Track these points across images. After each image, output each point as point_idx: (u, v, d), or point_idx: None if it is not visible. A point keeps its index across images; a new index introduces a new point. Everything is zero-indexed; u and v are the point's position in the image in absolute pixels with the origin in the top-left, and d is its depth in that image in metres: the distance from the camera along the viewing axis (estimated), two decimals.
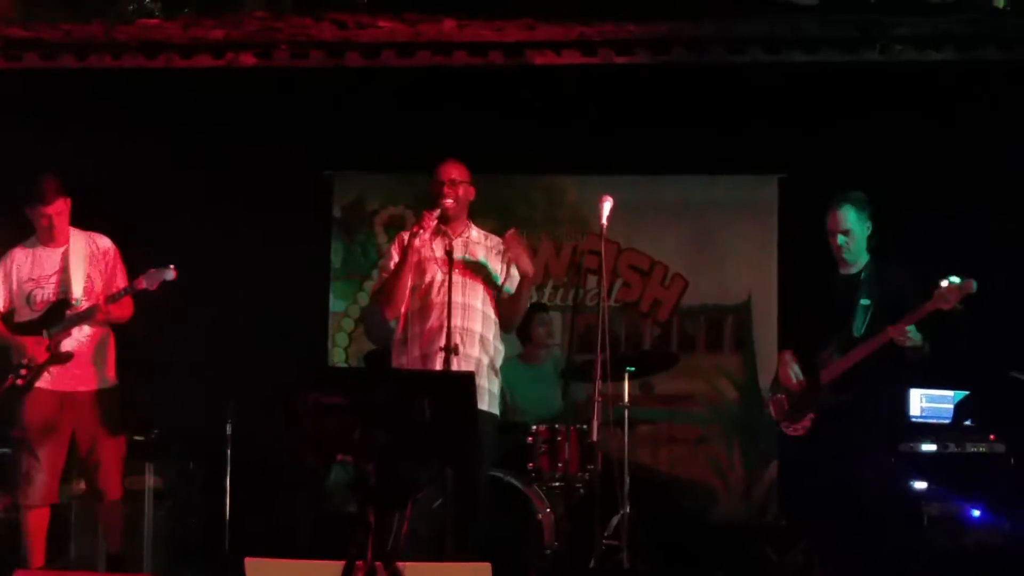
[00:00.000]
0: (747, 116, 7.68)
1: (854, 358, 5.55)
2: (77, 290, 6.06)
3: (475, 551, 5.07)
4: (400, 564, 4.08)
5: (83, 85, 7.37)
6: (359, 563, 4.04)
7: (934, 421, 6.84)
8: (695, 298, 8.19)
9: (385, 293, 5.61)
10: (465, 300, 5.60)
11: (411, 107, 7.57)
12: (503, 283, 5.68)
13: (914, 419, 6.80)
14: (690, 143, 7.81)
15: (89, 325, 6.04)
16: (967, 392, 6.96)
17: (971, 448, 6.54)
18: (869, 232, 5.71)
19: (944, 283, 5.30)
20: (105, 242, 6.23)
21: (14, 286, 6.12)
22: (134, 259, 6.27)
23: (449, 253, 5.58)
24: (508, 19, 7.03)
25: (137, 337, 6.37)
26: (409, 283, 5.58)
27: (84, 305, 6.02)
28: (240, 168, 8.01)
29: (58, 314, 6.01)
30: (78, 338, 6.03)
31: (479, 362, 5.56)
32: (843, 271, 5.76)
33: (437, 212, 5.60)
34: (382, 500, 4.26)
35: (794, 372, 5.74)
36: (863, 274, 5.70)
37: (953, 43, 6.84)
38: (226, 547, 7.20)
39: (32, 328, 6.02)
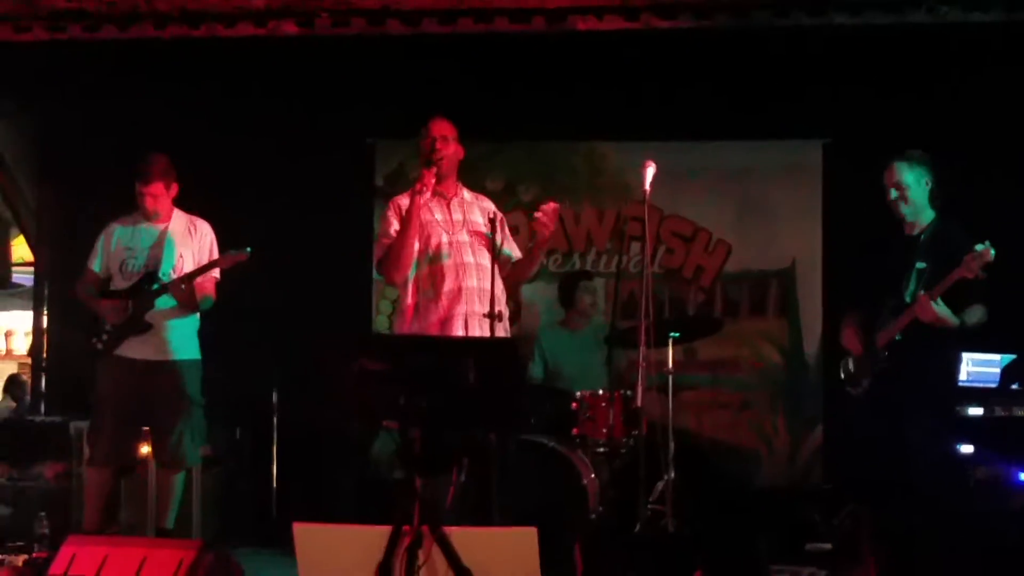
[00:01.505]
0: (791, 80, 7.63)
1: (903, 322, 5.52)
2: (167, 267, 6.20)
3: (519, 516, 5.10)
4: (446, 529, 4.10)
5: (125, 56, 7.39)
6: (405, 528, 4.06)
7: (981, 385, 6.80)
8: (739, 264, 8.15)
9: (392, 259, 5.53)
10: (476, 260, 5.58)
11: (453, 74, 7.56)
12: (501, 246, 5.65)
13: (961, 383, 6.74)
14: (733, 108, 7.77)
15: (173, 303, 6.16)
16: (1014, 356, 6.90)
17: (1018, 412, 6.50)
18: (929, 190, 5.64)
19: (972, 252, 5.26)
20: (204, 227, 6.38)
21: (110, 256, 6.29)
22: None
23: (492, 221, 5.57)
24: None
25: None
26: (415, 247, 5.54)
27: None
28: (283, 138, 8.04)
29: (145, 287, 6.15)
30: (166, 311, 6.17)
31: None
32: (908, 232, 5.70)
33: (435, 170, 5.56)
34: (427, 466, 4.27)
35: (855, 334, 5.74)
36: (923, 236, 5.64)
37: (1000, 4, 6.74)
38: (274, 513, 7.27)
39: (121, 296, 6.19)
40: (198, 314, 6.33)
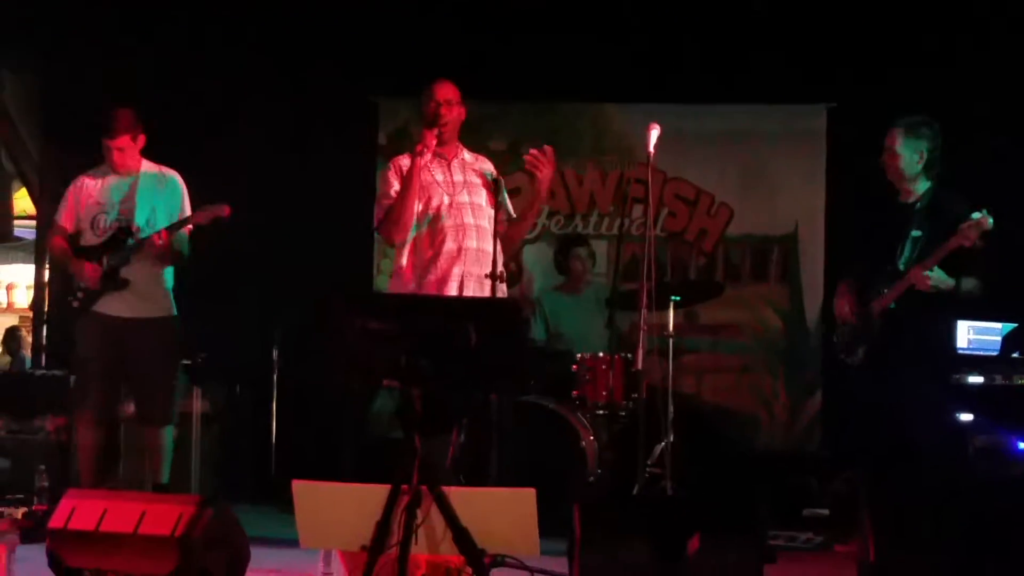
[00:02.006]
0: (797, 44, 7.60)
1: (899, 290, 5.51)
2: (140, 219, 6.09)
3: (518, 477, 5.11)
4: (445, 488, 4.11)
5: (128, 9, 7.37)
6: (404, 487, 4.07)
7: (981, 353, 6.80)
8: (741, 228, 8.15)
9: (392, 220, 5.49)
10: (476, 221, 5.57)
11: (457, 33, 7.53)
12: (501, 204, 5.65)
13: (961, 351, 6.75)
14: (738, 72, 7.74)
15: (147, 256, 6.06)
16: (1015, 324, 6.90)
17: (1018, 380, 6.48)
18: (925, 159, 5.61)
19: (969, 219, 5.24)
20: (175, 177, 6.26)
21: (81, 210, 6.17)
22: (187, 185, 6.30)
23: (496, 180, 5.55)
24: None
25: (185, 263, 6.42)
26: (415, 208, 5.53)
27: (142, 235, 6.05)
28: (286, 95, 8.03)
29: (118, 241, 6.06)
30: (138, 266, 6.06)
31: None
32: (902, 199, 5.68)
33: (436, 132, 5.54)
34: (427, 426, 4.27)
35: (846, 302, 5.73)
36: (919, 204, 5.62)
37: None
38: (273, 470, 7.29)
39: (93, 253, 6.08)
40: (172, 269, 6.21)
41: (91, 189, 6.19)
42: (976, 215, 5.22)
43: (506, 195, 5.69)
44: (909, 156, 5.59)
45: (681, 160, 7.99)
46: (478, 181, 5.62)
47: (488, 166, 5.75)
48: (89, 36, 7.71)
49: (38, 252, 8.91)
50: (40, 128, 8.62)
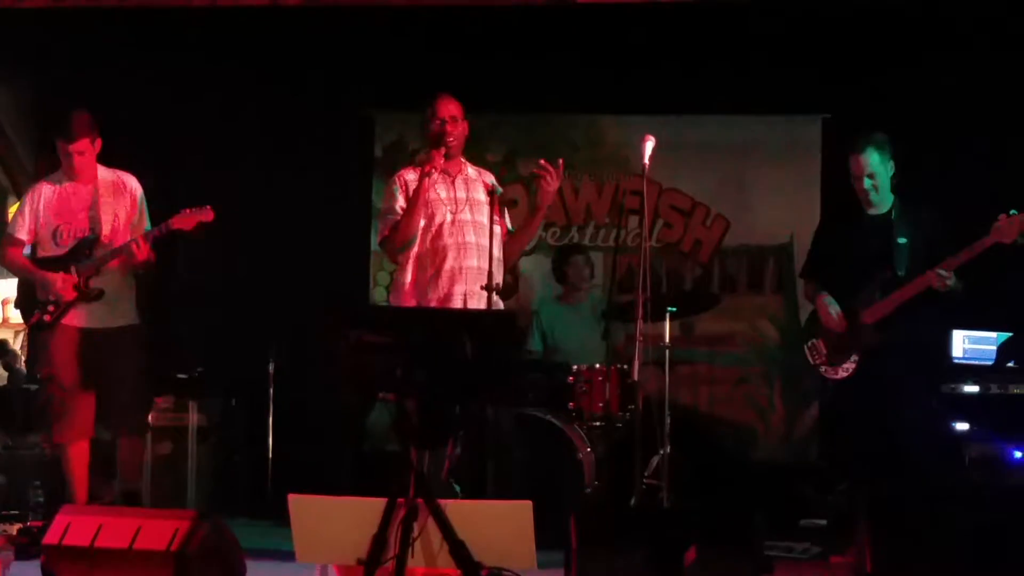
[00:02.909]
0: (790, 55, 7.60)
1: (900, 297, 5.54)
2: (106, 227, 6.02)
3: (515, 489, 5.10)
4: (441, 501, 4.11)
5: (122, 24, 7.36)
6: (400, 500, 4.06)
7: (977, 362, 6.80)
8: (737, 239, 8.13)
9: (397, 237, 5.51)
10: (477, 240, 5.58)
11: (452, 46, 7.54)
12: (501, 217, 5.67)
13: (957, 360, 6.76)
14: (733, 82, 7.74)
15: (116, 264, 5.99)
16: (1011, 334, 6.91)
17: (1014, 390, 6.50)
18: (892, 172, 5.72)
19: (1004, 217, 5.29)
20: (132, 181, 6.18)
21: (40, 220, 6.07)
22: (177, 200, 6.22)
23: (492, 193, 5.56)
24: None
25: (182, 276, 6.41)
26: (419, 224, 5.53)
27: (111, 243, 5.99)
28: (283, 108, 8.03)
29: (86, 251, 5.98)
30: (104, 276, 5.99)
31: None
32: (870, 211, 5.74)
33: (443, 151, 5.55)
34: (423, 438, 4.27)
35: (835, 312, 5.73)
36: (893, 214, 5.70)
37: None
38: (269, 484, 7.28)
39: (58, 264, 5.98)
40: (134, 279, 6.13)
41: (49, 198, 6.08)
42: (1013, 212, 5.28)
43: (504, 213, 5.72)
44: (884, 173, 5.70)
45: (676, 171, 7.98)
46: (482, 198, 5.64)
47: (491, 179, 5.76)
48: (81, 47, 7.70)
49: None
50: (35, 143, 8.61)
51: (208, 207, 5.94)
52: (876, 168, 5.67)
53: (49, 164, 8.20)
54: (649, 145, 5.85)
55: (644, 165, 5.85)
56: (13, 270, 6.22)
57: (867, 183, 5.69)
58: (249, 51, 7.77)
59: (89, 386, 6.01)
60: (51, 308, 5.98)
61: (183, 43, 7.63)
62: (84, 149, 6.01)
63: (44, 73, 8.21)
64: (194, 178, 6.68)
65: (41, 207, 6.08)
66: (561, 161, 5.53)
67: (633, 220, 7.62)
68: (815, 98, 7.83)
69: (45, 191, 6.11)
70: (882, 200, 5.73)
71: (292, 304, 7.46)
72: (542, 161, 5.51)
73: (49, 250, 6.04)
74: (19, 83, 8.44)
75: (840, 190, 7.53)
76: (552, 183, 5.47)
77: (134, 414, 6.14)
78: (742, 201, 8.13)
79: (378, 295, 8.19)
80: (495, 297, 5.37)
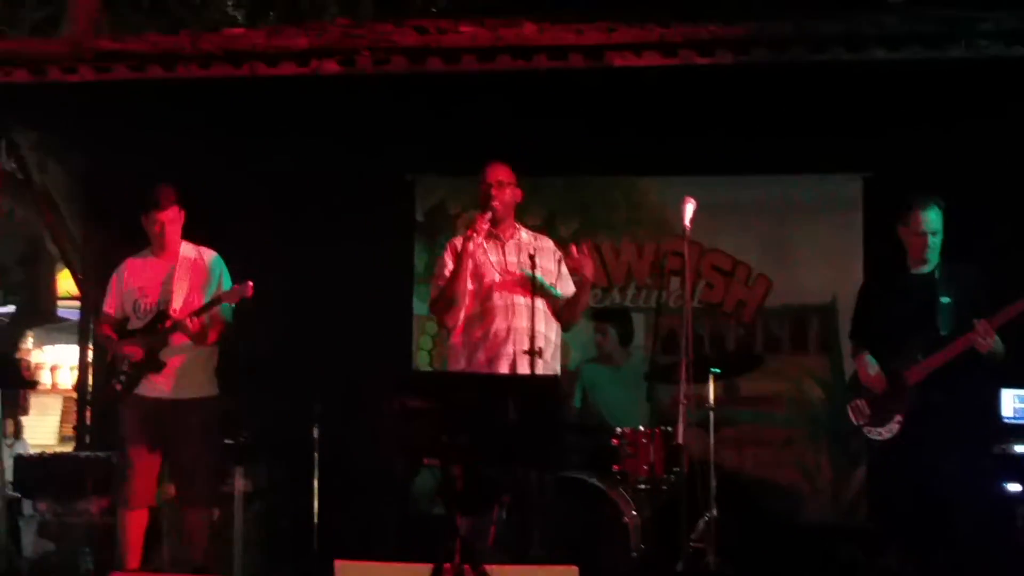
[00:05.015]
0: (830, 115, 7.60)
1: (943, 357, 5.51)
2: (177, 301, 6.17)
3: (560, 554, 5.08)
4: (487, 567, 4.10)
5: (169, 95, 7.47)
6: (447, 566, 4.07)
7: None
8: (779, 299, 8.11)
9: (445, 300, 5.63)
10: (527, 301, 5.62)
11: (492, 111, 7.60)
12: (555, 285, 5.71)
13: (1007, 420, 6.68)
14: (773, 143, 7.75)
15: (185, 337, 6.13)
16: None
17: None
18: (941, 233, 5.74)
19: None
20: (211, 256, 6.36)
21: (124, 294, 6.29)
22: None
23: (532, 257, 5.60)
24: (588, 22, 7.02)
25: (226, 341, 6.46)
26: (467, 288, 5.60)
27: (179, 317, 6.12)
28: (324, 174, 8.12)
29: (158, 324, 6.15)
30: (179, 348, 6.15)
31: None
32: (914, 270, 5.73)
33: (488, 215, 5.63)
34: (469, 503, 4.28)
35: (874, 371, 5.71)
36: (936, 273, 5.68)
37: None
38: (315, 549, 7.27)
39: (137, 336, 6.19)
40: (216, 350, 6.30)
41: (133, 273, 6.30)
42: None
43: (564, 272, 5.77)
44: (940, 230, 5.67)
45: (717, 231, 7.97)
46: (538, 261, 5.69)
47: (548, 243, 5.85)
48: (130, 122, 7.82)
49: (81, 333, 8.99)
50: (83, 212, 8.74)
51: (249, 282, 6.07)
52: (937, 226, 5.68)
53: (97, 236, 8.40)
54: (690, 208, 5.87)
55: (685, 228, 5.87)
56: (102, 343, 6.51)
57: (930, 240, 5.68)
58: (290, 118, 7.86)
59: (155, 455, 6.14)
60: (122, 378, 6.18)
61: (225, 113, 7.73)
62: (171, 218, 6.23)
63: (93, 146, 8.35)
64: (237, 246, 6.74)
65: (124, 282, 6.30)
66: (584, 246, 5.66)
67: (674, 281, 7.61)
68: (856, 157, 7.82)
69: (130, 265, 6.35)
70: (933, 259, 5.72)
71: (336, 368, 7.49)
72: (572, 253, 5.67)
73: (134, 323, 6.26)
74: (69, 155, 8.57)
75: (883, 249, 7.55)
76: (589, 266, 5.59)
77: (202, 485, 6.22)
78: (784, 261, 8.11)
79: (421, 359, 8.22)
80: (539, 360, 5.39)
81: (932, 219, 5.70)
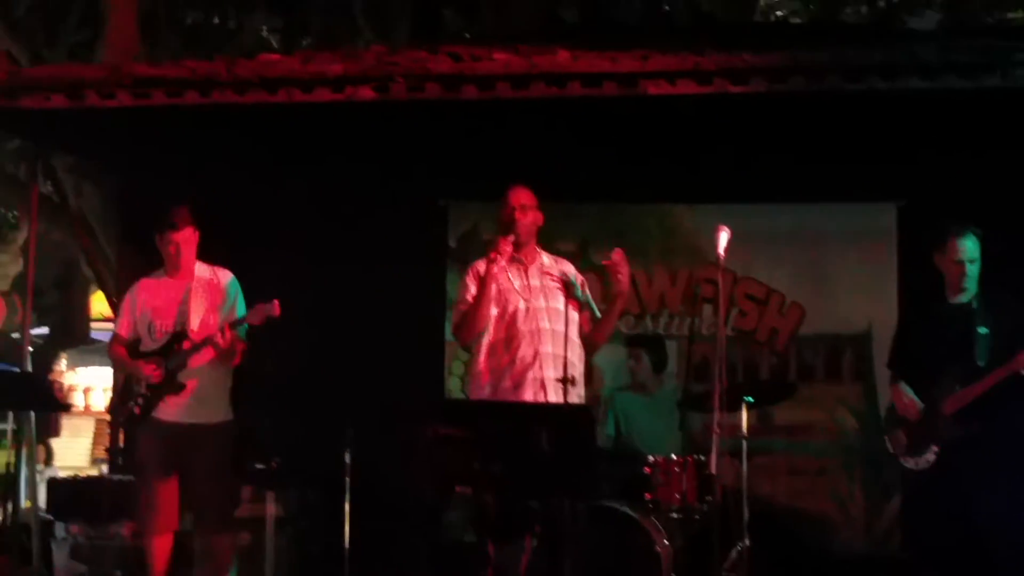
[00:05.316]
0: (866, 144, 7.59)
1: (981, 388, 5.47)
2: (194, 322, 6.13)
3: None
4: None
5: (204, 120, 7.52)
6: None
7: None
8: (813, 327, 8.07)
9: (467, 325, 5.59)
10: (552, 326, 5.61)
11: (526, 137, 7.61)
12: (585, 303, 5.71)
13: None
14: (807, 171, 7.74)
15: (204, 359, 6.09)
16: None
17: None
18: (979, 262, 5.70)
19: None
20: (226, 276, 6.31)
21: (138, 315, 6.22)
22: (253, 291, 6.35)
23: (567, 283, 5.60)
24: (622, 50, 7.03)
25: (258, 366, 6.47)
26: (491, 313, 5.59)
27: (198, 338, 6.08)
28: (357, 199, 8.15)
29: (175, 345, 6.10)
30: (195, 371, 6.10)
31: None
32: (952, 300, 5.70)
33: (512, 238, 5.63)
34: (501, 532, 4.27)
35: (908, 400, 5.67)
36: (974, 303, 5.64)
37: None
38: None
39: (152, 358, 6.12)
40: (231, 374, 6.24)
41: (147, 294, 6.24)
42: None
43: (588, 295, 5.76)
44: (978, 261, 5.64)
45: (751, 259, 7.93)
46: (556, 285, 5.68)
47: (569, 268, 5.83)
48: (163, 146, 7.88)
49: None
50: (118, 236, 8.80)
51: (275, 301, 6.00)
52: (975, 254, 5.65)
53: (131, 259, 8.45)
54: (723, 236, 5.85)
55: (719, 256, 5.85)
56: (115, 365, 6.46)
57: (968, 268, 5.65)
58: (324, 144, 7.91)
59: (175, 480, 6.09)
60: (140, 400, 6.12)
61: (260, 138, 7.78)
62: (186, 239, 6.17)
63: (128, 169, 8.41)
64: (270, 270, 6.77)
65: (138, 303, 6.24)
66: (619, 251, 5.57)
67: (708, 309, 7.59)
68: (890, 185, 7.80)
69: (144, 286, 6.29)
70: (971, 288, 5.68)
71: (368, 393, 7.49)
72: (610, 257, 5.58)
73: (147, 344, 6.19)
74: (104, 179, 8.64)
75: (918, 278, 7.52)
76: (625, 271, 5.53)
77: (222, 510, 6.20)
78: (818, 289, 8.08)
79: (453, 384, 8.21)
80: (572, 389, 5.37)
81: (969, 247, 5.67)
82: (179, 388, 6.07)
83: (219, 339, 6.00)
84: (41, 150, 8.69)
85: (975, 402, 5.50)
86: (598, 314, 5.79)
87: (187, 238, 6.18)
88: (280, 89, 7.05)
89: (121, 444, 8.74)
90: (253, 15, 15.44)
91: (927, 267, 5.96)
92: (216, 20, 15.96)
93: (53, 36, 14.07)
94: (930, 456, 5.65)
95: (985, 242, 5.74)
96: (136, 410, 6.13)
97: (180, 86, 7.09)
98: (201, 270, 6.28)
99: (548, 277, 5.73)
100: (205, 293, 6.21)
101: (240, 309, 6.20)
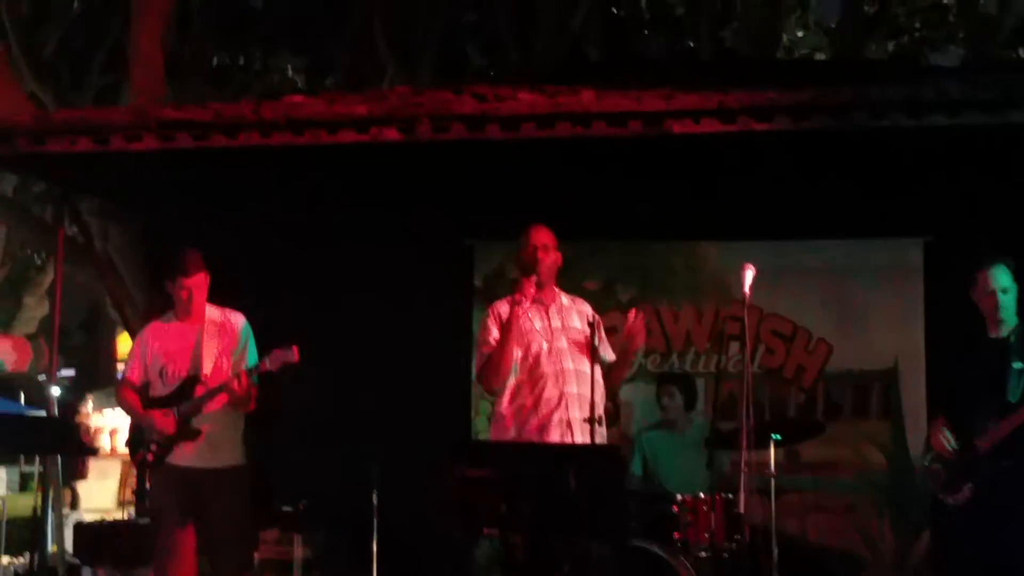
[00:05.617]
0: (891, 179, 7.58)
1: (1012, 424, 5.42)
2: (207, 367, 6.04)
3: None
4: None
5: (232, 163, 7.56)
6: None
7: None
8: (840, 364, 8.03)
9: (491, 370, 5.54)
10: (576, 367, 5.59)
11: (551, 177, 7.63)
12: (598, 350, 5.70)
13: None
14: (832, 207, 7.73)
15: (218, 404, 6.01)
16: None
17: None
18: (1016, 294, 5.63)
19: None
20: (238, 319, 6.21)
21: (148, 360, 6.13)
22: (278, 334, 6.31)
23: (591, 324, 5.59)
24: (646, 89, 7.04)
25: (286, 408, 6.47)
26: (515, 356, 5.56)
27: (212, 383, 6.00)
28: (383, 239, 8.16)
29: (188, 391, 6.01)
30: (210, 416, 6.01)
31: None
32: (992, 335, 5.65)
33: (535, 278, 5.61)
34: (530, 573, 4.25)
35: (947, 439, 5.63)
36: (1012, 337, 5.60)
37: None
38: None
39: (164, 403, 6.03)
40: (243, 418, 6.14)
41: (157, 339, 6.16)
42: None
43: (603, 336, 5.74)
44: (1014, 293, 5.59)
45: (777, 296, 7.91)
46: (577, 325, 5.67)
47: (587, 308, 5.80)
48: (189, 188, 7.93)
49: None
50: (143, 277, 8.83)
51: (294, 347, 5.90)
52: (1007, 283, 5.61)
53: (156, 301, 8.46)
54: (749, 274, 5.84)
55: (745, 294, 5.84)
56: (124, 410, 6.27)
57: (1002, 299, 5.60)
58: (350, 185, 7.94)
59: (189, 525, 6.01)
60: (153, 447, 6.02)
61: (286, 180, 7.82)
62: (198, 284, 6.09)
63: (154, 211, 8.45)
64: (296, 311, 6.79)
65: (149, 347, 6.15)
66: (640, 315, 5.68)
67: (734, 346, 7.56)
68: (917, 221, 7.78)
69: (154, 331, 6.20)
70: (1009, 320, 5.64)
71: (394, 434, 7.48)
72: (629, 320, 5.70)
73: (158, 390, 6.10)
74: (130, 221, 8.69)
75: (945, 313, 7.49)
76: (642, 333, 5.58)
77: (238, 553, 6.14)
78: (845, 325, 8.05)
79: (479, 425, 8.19)
80: (599, 428, 5.35)
81: (1000, 277, 5.63)
82: (195, 435, 5.98)
83: (235, 385, 5.91)
84: (67, 193, 8.73)
85: (1009, 437, 5.45)
86: (609, 359, 5.77)
87: (199, 283, 6.09)
88: (306, 130, 7.08)
89: (148, 487, 8.74)
90: (278, 55, 15.58)
91: (955, 302, 5.92)
92: (241, 61, 16.10)
93: (79, 79, 14.23)
94: (965, 493, 5.60)
95: (1017, 275, 5.69)
96: (150, 457, 6.03)
97: (206, 129, 7.12)
98: (212, 313, 6.19)
99: (570, 316, 5.72)
100: (217, 336, 6.12)
101: (252, 352, 6.12)
